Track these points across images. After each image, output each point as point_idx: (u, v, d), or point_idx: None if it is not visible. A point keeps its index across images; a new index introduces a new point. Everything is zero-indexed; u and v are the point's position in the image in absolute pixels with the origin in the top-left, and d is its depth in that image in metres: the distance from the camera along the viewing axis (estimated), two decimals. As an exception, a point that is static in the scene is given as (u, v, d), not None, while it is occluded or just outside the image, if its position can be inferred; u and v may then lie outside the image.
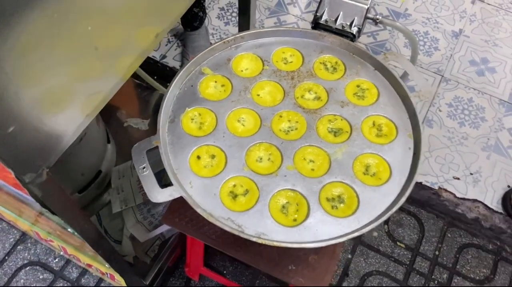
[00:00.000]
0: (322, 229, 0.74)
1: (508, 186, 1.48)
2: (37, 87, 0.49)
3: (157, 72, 1.64)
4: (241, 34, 0.94)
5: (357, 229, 0.74)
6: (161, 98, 1.64)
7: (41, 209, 0.69)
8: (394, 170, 0.81)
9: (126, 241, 1.20)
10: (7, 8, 0.42)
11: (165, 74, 1.66)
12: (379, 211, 0.77)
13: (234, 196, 0.77)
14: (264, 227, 0.74)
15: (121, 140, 1.42)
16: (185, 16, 1.60)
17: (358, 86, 0.91)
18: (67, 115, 0.55)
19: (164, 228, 1.17)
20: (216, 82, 0.90)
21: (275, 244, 0.71)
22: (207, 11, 1.82)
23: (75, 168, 1.14)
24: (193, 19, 1.61)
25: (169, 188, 0.74)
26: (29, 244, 1.39)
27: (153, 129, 1.53)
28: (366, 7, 1.03)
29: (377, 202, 0.77)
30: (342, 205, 0.77)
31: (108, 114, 1.46)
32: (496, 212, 1.45)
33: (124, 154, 1.37)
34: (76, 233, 0.72)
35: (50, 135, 0.53)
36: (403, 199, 0.77)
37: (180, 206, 0.94)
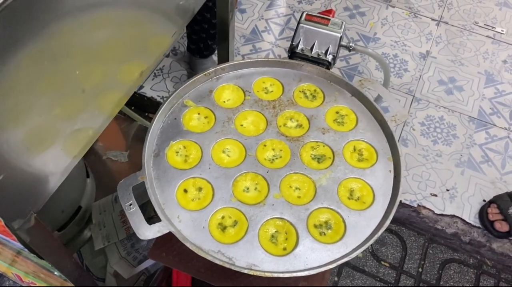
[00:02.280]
0: (312, 257, 0.75)
1: (484, 200, 1.53)
2: (25, 132, 0.49)
3: (134, 103, 1.64)
4: (221, 66, 0.96)
5: (346, 254, 0.75)
6: (139, 129, 1.62)
7: (18, 249, 0.67)
8: (377, 193, 0.83)
9: (109, 279, 1.17)
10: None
11: (143, 105, 1.66)
12: (365, 235, 0.78)
13: (223, 228, 0.77)
14: (254, 258, 0.74)
15: (101, 173, 1.40)
16: (197, 45, 1.65)
17: (337, 112, 0.94)
18: (54, 157, 0.55)
19: (149, 263, 1.15)
20: (199, 114, 0.91)
21: (267, 274, 0.72)
22: (183, 40, 1.85)
23: (55, 206, 1.12)
24: (205, 49, 1.66)
25: (157, 224, 0.74)
26: (6, 287, 1.34)
27: (133, 160, 1.52)
28: (339, 35, 1.07)
29: (363, 225, 0.79)
30: (329, 231, 0.78)
31: (86, 147, 1.44)
32: (474, 226, 1.49)
33: (104, 188, 1.35)
34: (62, 275, 0.70)
35: (38, 178, 0.53)
36: (388, 221, 0.79)
37: (166, 240, 0.93)
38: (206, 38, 1.60)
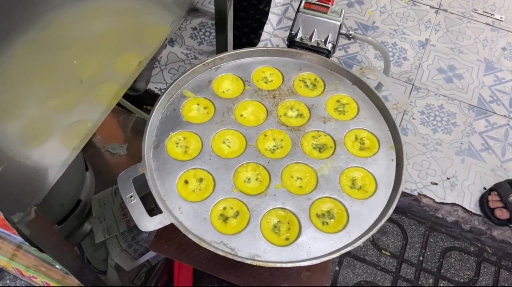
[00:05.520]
0: (314, 246, 0.74)
1: (484, 188, 1.53)
2: (23, 124, 0.48)
3: (132, 95, 1.62)
4: (220, 56, 0.95)
5: (349, 243, 0.75)
6: (138, 121, 1.61)
7: (18, 243, 0.67)
8: (380, 182, 0.82)
9: (111, 271, 1.16)
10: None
11: (140, 97, 1.64)
12: (368, 224, 0.78)
13: (225, 219, 0.76)
14: (257, 248, 0.74)
15: (99, 166, 1.38)
16: (240, 40, 1.65)
17: (338, 101, 0.93)
18: (53, 149, 0.54)
19: (150, 255, 1.14)
20: (198, 104, 0.90)
21: (270, 265, 0.71)
22: (180, 31, 1.83)
23: (54, 200, 1.11)
24: (247, 43, 1.66)
25: (158, 215, 0.73)
26: (8, 281, 1.34)
27: (131, 153, 1.51)
28: (339, 23, 1.06)
29: (366, 215, 0.79)
30: (332, 220, 0.78)
31: (84, 140, 1.43)
32: (475, 214, 1.49)
33: (103, 181, 1.34)
34: (63, 269, 0.70)
35: (37, 171, 0.52)
36: (391, 210, 0.78)
37: (168, 232, 0.92)
38: (249, 32, 1.60)
